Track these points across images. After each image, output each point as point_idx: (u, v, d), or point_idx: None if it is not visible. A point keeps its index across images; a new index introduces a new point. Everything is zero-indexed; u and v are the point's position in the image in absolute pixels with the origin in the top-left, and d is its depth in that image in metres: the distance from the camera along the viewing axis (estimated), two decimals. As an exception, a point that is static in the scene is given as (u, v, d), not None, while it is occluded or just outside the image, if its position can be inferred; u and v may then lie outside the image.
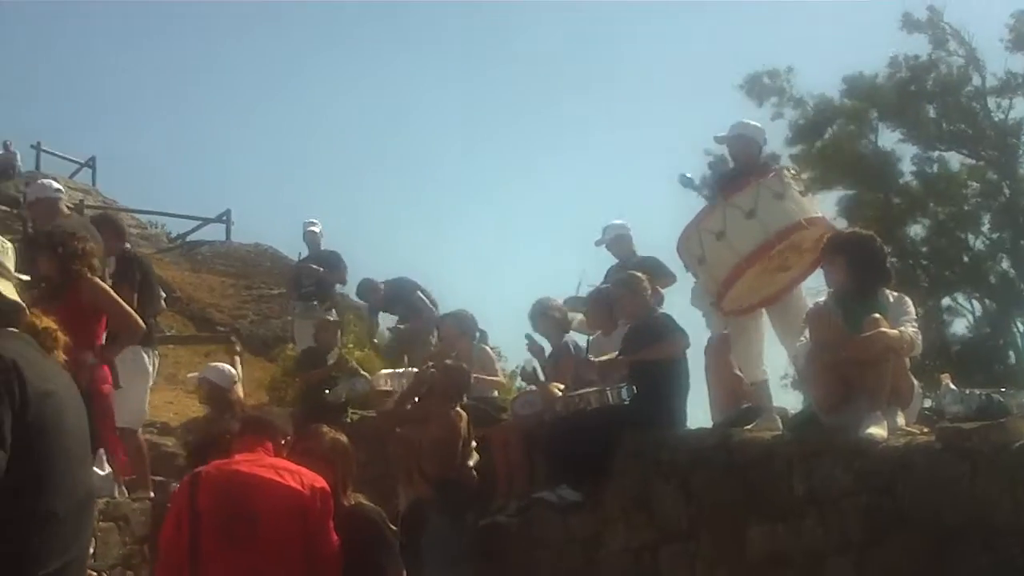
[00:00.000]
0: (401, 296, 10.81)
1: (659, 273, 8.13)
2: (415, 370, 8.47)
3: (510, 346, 12.48)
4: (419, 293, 10.76)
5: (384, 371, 8.85)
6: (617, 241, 8.78)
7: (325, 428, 5.07)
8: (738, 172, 6.95)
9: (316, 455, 4.70)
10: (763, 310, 6.92)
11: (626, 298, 7.17)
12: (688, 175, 7.02)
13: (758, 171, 6.66)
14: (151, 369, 7.63)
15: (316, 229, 11.70)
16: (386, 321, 11.96)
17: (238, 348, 11.62)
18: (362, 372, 9.71)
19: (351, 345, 11.56)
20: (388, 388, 8.49)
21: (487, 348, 9.09)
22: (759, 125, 7.29)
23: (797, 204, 6.52)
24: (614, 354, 7.23)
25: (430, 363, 8.13)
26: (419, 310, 10.39)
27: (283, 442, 4.68)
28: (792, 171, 6.87)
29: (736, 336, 6.94)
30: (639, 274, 7.38)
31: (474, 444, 7.64)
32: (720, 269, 6.53)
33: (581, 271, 8.43)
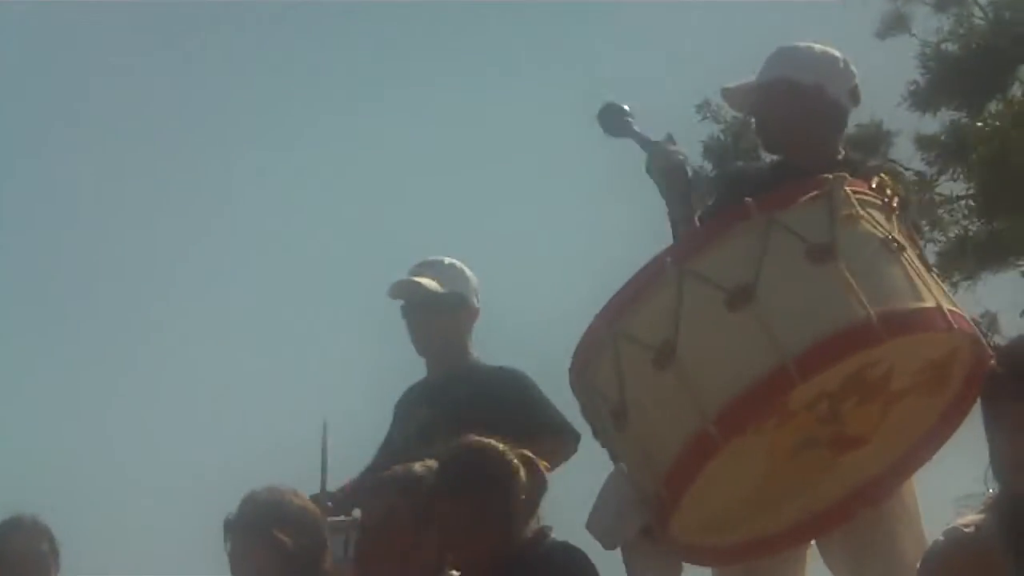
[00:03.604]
0: None
1: (539, 421, 4.17)
2: None
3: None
4: None
5: None
6: (428, 307, 4.38)
7: None
8: (773, 174, 3.76)
9: None
10: (807, 550, 3.70)
11: (450, 508, 3.37)
12: (622, 106, 3.67)
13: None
14: None
15: None
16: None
17: None
18: None
19: None
20: None
21: None
22: (838, 55, 3.79)
23: (869, 276, 3.19)
24: None
25: None
26: None
27: None
28: (873, 184, 3.38)
29: None
30: (488, 444, 3.38)
31: None
32: (664, 439, 3.21)
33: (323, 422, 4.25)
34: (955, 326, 3.19)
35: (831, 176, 3.31)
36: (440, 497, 3.40)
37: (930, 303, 3.19)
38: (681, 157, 3.55)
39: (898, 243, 3.26)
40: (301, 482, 4.05)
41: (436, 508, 3.41)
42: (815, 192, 3.25)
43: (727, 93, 3.90)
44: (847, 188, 3.27)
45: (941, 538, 3.02)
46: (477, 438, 3.45)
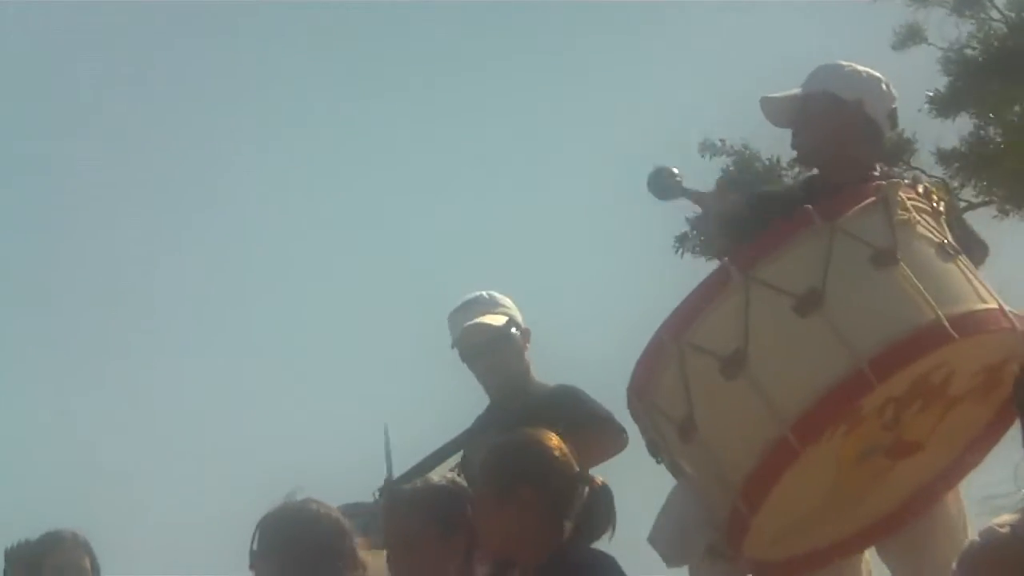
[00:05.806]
0: None
1: (586, 426, 3.99)
2: None
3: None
4: None
5: None
6: (487, 346, 4.32)
7: None
8: (806, 192, 3.68)
9: None
10: (864, 555, 3.68)
11: (491, 507, 3.27)
12: (671, 169, 3.68)
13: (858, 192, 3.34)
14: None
15: None
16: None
17: None
18: None
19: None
20: None
21: None
22: (880, 76, 3.75)
23: (931, 278, 3.20)
24: None
25: None
26: None
27: None
28: (920, 190, 3.38)
29: None
30: (537, 435, 3.28)
31: None
32: (737, 450, 3.19)
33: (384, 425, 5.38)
34: (1019, 327, 3.20)
35: (885, 182, 3.32)
36: (485, 491, 3.29)
37: (992, 304, 3.22)
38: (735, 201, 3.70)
39: (953, 247, 3.28)
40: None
41: (479, 502, 3.31)
42: (871, 198, 3.26)
43: (766, 102, 3.80)
44: (900, 194, 3.28)
45: (977, 539, 2.90)
46: (529, 431, 3.32)
